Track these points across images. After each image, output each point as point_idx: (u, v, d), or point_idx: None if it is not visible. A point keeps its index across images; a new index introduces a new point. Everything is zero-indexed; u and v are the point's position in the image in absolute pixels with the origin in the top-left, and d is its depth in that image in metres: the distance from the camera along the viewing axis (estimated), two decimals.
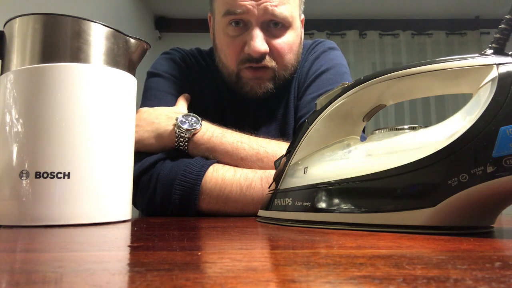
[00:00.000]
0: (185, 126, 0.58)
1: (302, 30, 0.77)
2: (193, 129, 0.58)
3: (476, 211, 0.27)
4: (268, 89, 0.70)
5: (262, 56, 0.67)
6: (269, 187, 0.44)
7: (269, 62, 0.68)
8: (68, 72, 0.39)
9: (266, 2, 0.65)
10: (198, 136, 0.59)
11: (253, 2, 0.65)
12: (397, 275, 0.15)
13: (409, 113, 2.82)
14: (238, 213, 0.56)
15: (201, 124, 0.60)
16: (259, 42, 0.65)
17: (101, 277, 0.15)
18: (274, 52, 0.68)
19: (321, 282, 0.14)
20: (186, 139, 0.59)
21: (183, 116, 0.59)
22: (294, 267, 0.17)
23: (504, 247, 0.23)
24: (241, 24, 0.67)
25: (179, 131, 0.58)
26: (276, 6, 0.65)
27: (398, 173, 0.29)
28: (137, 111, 0.64)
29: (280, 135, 0.73)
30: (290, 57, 0.71)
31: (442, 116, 2.75)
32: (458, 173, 0.26)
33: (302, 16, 0.76)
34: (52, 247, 0.24)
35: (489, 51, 0.29)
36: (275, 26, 0.67)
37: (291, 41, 0.70)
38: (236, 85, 0.71)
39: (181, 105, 0.68)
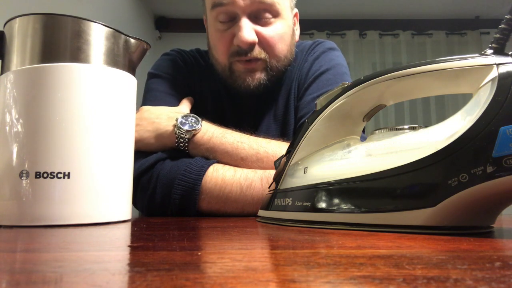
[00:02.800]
0: (185, 127, 0.58)
1: (297, 25, 0.77)
2: (193, 129, 0.58)
3: (476, 211, 0.27)
4: (261, 81, 0.69)
5: (251, 46, 0.66)
6: (269, 187, 0.44)
7: (259, 53, 0.68)
8: (68, 72, 0.39)
9: None
10: (198, 136, 0.59)
11: None
12: (397, 275, 0.15)
13: (409, 113, 2.82)
14: (238, 213, 0.56)
15: (201, 124, 0.60)
16: (246, 32, 0.65)
17: (101, 277, 0.15)
18: (263, 42, 0.68)
19: (321, 282, 0.14)
20: (186, 139, 0.59)
21: (182, 117, 0.59)
22: (294, 267, 0.17)
23: (504, 247, 0.23)
24: (230, 17, 0.67)
25: (179, 132, 0.58)
26: None
27: (398, 173, 0.29)
28: (138, 110, 0.64)
29: (280, 136, 0.73)
30: (282, 47, 0.70)
31: (442, 116, 2.75)
32: (458, 173, 0.26)
33: (295, 10, 0.76)
34: (52, 247, 0.24)
35: (489, 51, 0.29)
36: (263, 16, 0.67)
37: (281, 30, 0.69)
38: (230, 79, 0.71)
39: (184, 106, 0.68)
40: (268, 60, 0.69)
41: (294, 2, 0.75)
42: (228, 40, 0.68)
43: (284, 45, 0.71)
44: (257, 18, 0.67)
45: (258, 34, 0.67)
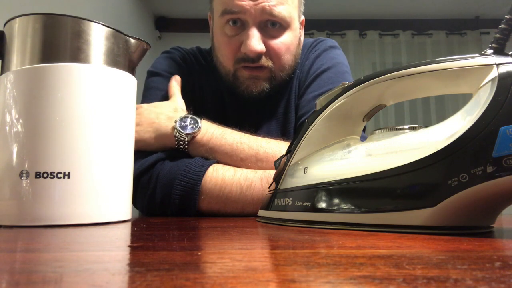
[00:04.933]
0: (185, 131, 0.58)
1: (302, 31, 0.77)
2: (192, 132, 0.58)
3: (476, 211, 0.27)
4: (264, 89, 0.70)
5: (258, 56, 0.67)
6: (269, 187, 0.44)
7: (265, 62, 0.68)
8: (68, 72, 0.39)
9: (264, 2, 0.64)
10: (198, 138, 0.59)
11: (251, 2, 0.64)
12: (397, 275, 0.15)
13: (409, 113, 2.82)
14: (238, 213, 0.56)
15: (200, 125, 0.60)
16: (255, 41, 0.65)
17: (101, 277, 0.15)
18: (271, 52, 0.68)
19: (321, 282, 0.14)
20: (186, 142, 0.59)
21: (181, 119, 0.59)
22: (294, 267, 0.17)
23: (504, 247, 0.23)
24: (239, 23, 0.67)
25: (178, 135, 0.58)
26: (274, 6, 0.65)
27: (398, 173, 0.29)
28: (136, 107, 0.63)
29: (281, 134, 0.73)
30: (288, 58, 0.71)
31: (442, 116, 2.75)
32: (458, 173, 0.26)
33: (302, 17, 0.75)
34: (52, 247, 0.24)
35: (489, 51, 0.29)
36: (272, 26, 0.67)
37: (288, 41, 0.69)
38: (233, 84, 0.71)
39: (177, 98, 0.67)
40: (273, 69, 0.69)
41: (302, 10, 0.75)
42: (235, 46, 0.68)
43: (290, 55, 0.71)
44: (266, 27, 0.67)
45: (265, 44, 0.67)
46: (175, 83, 0.70)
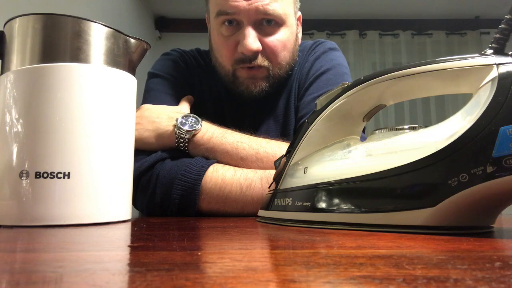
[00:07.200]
0: (185, 127, 0.58)
1: (300, 28, 0.77)
2: (193, 130, 0.59)
3: (476, 211, 0.27)
4: (263, 88, 0.70)
5: (255, 54, 0.67)
6: (269, 187, 0.44)
7: (262, 61, 0.68)
8: (68, 72, 0.39)
9: (258, 1, 0.65)
10: (198, 136, 0.59)
11: (244, 2, 0.65)
12: (397, 275, 0.15)
13: (409, 113, 2.82)
14: (238, 213, 0.56)
15: (201, 124, 0.60)
16: (251, 40, 0.65)
17: (101, 277, 0.15)
18: (267, 50, 0.68)
19: (321, 282, 0.14)
20: (186, 140, 0.59)
21: (183, 117, 0.60)
22: (294, 267, 0.17)
23: (504, 247, 0.23)
24: (234, 23, 0.67)
25: (179, 132, 0.58)
26: (268, 4, 0.65)
27: (398, 173, 0.29)
28: (139, 108, 0.64)
29: (281, 136, 0.73)
30: (285, 55, 0.71)
31: (442, 116, 2.75)
32: (458, 173, 0.26)
33: (299, 14, 0.76)
34: (52, 247, 0.24)
35: (489, 51, 0.29)
36: (268, 23, 0.67)
37: (285, 38, 0.70)
38: (232, 85, 0.72)
39: (184, 106, 0.68)
40: (271, 68, 0.69)
41: (298, 6, 0.75)
42: (232, 46, 0.68)
43: (287, 52, 0.71)
44: (261, 25, 0.67)
45: (262, 42, 0.67)
46: (187, 100, 0.70)
